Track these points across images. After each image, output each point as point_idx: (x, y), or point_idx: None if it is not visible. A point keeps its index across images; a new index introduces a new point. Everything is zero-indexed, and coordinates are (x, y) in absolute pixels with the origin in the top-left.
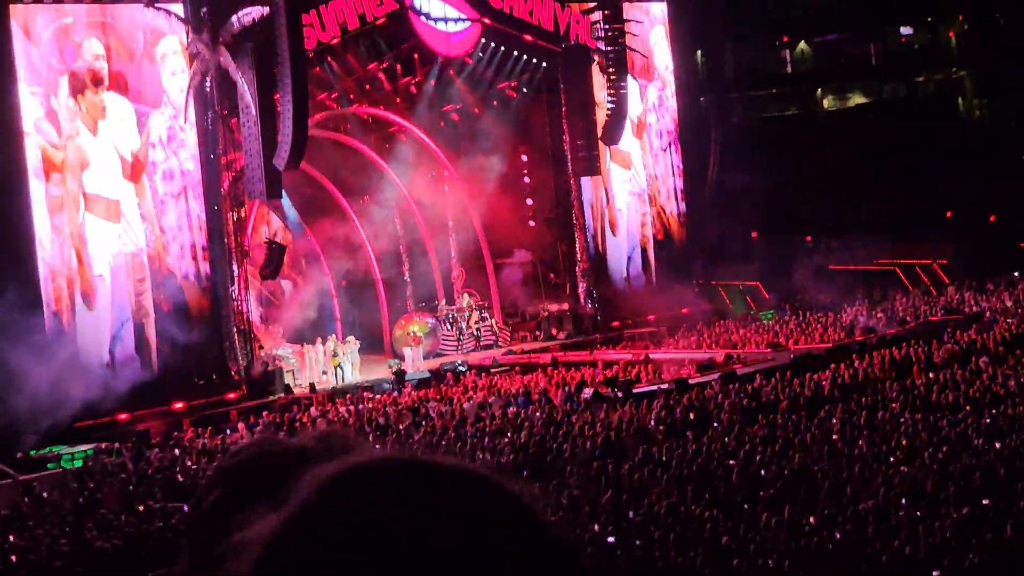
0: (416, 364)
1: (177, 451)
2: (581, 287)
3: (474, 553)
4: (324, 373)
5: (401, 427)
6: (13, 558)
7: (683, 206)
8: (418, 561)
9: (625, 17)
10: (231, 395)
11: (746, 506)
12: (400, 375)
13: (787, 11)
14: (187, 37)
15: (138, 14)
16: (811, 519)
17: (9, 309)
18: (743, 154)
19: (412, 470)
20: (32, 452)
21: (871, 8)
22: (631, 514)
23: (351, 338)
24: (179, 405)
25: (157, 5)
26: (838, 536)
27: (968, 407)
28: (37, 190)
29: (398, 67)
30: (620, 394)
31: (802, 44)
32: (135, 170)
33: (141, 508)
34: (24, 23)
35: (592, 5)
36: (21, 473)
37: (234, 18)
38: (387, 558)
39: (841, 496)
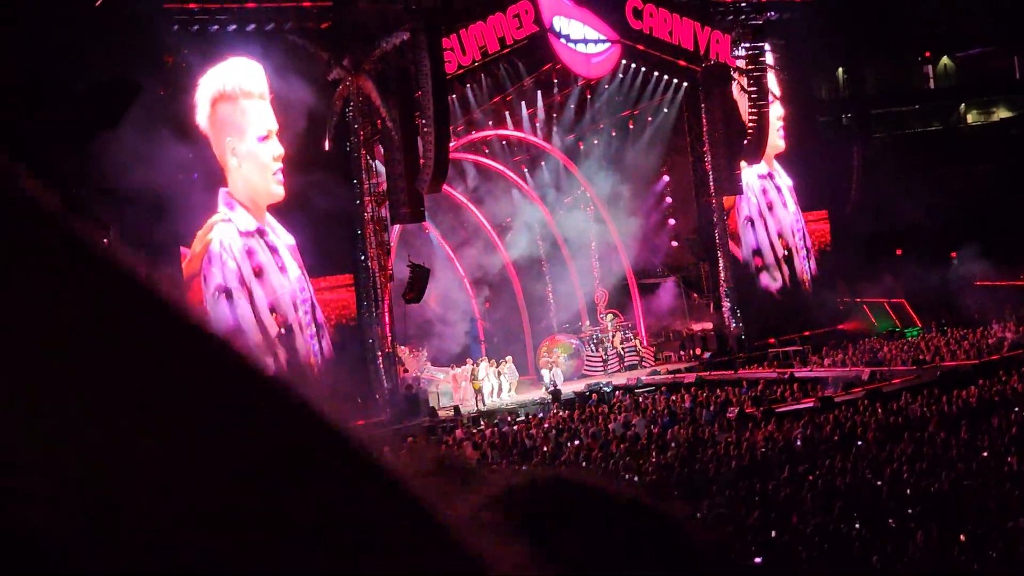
0: (555, 386)
1: None
2: (725, 306)
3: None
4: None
5: (546, 448)
6: None
7: (826, 224)
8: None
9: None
10: (375, 419)
11: (894, 524)
12: (556, 394)
13: (929, 26)
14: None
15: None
16: (961, 537)
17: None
18: (886, 170)
19: (568, 489)
20: None
21: (1014, 22)
22: (773, 533)
23: (508, 358)
24: None
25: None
26: (989, 554)
27: None
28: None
29: (538, 90)
30: (764, 413)
31: (945, 59)
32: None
33: None
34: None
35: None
36: None
37: (376, 44)
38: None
39: (991, 514)
